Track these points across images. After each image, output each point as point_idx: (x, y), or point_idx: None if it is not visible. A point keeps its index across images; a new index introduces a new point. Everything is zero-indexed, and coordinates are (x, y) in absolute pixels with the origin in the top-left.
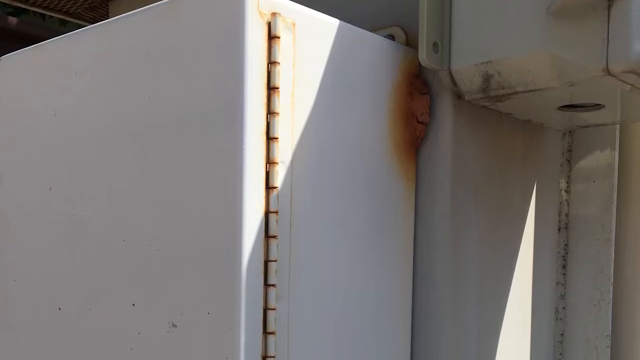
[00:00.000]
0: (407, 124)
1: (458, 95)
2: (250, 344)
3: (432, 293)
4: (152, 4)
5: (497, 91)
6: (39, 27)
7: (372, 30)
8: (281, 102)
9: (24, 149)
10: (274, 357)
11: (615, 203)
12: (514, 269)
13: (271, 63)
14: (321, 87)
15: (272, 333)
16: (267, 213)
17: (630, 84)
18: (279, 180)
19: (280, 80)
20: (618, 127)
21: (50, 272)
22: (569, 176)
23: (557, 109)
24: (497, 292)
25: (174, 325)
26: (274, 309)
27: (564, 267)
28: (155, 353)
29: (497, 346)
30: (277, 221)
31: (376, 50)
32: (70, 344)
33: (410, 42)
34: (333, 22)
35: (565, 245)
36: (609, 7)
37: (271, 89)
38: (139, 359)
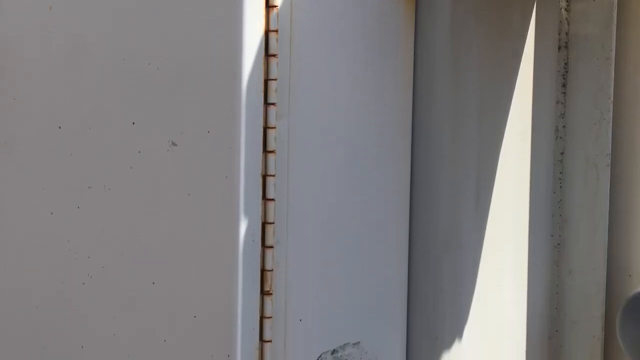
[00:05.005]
0: None
1: None
2: (250, 163)
3: (432, 110)
4: None
5: None
6: None
7: None
8: None
9: None
10: (274, 175)
11: (615, 22)
12: (514, 87)
13: None
14: None
15: (272, 152)
16: (267, 32)
17: None
18: None
19: None
20: None
21: (50, 91)
22: None
23: None
24: (496, 110)
25: (174, 144)
26: (274, 128)
27: (563, 85)
28: (155, 172)
29: (497, 163)
30: (277, 40)
31: None
32: (70, 162)
33: None
34: None
35: (565, 63)
36: None
37: None
38: (139, 177)
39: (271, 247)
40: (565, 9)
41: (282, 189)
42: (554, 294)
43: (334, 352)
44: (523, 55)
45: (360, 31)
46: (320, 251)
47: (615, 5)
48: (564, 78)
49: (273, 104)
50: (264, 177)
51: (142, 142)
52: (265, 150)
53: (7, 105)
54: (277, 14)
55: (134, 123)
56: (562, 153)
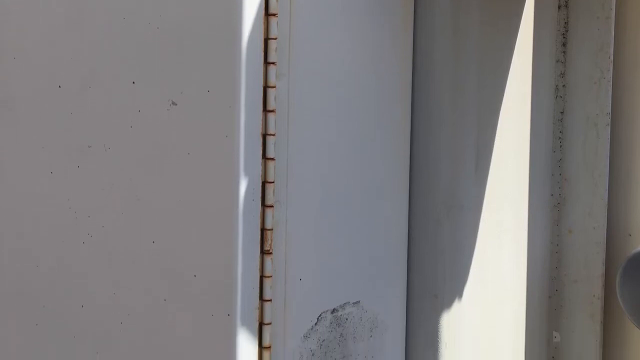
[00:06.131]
0: None
1: None
2: (250, 122)
3: (432, 69)
4: None
5: None
6: None
7: None
8: None
9: None
10: (274, 135)
11: None
12: (514, 48)
13: None
14: None
15: (272, 111)
16: None
17: None
18: None
19: None
20: None
21: (50, 50)
22: None
23: None
24: (496, 69)
25: (174, 103)
26: (274, 87)
27: (564, 45)
28: (155, 131)
29: (497, 123)
30: None
31: None
32: (70, 122)
33: None
34: None
35: (566, 23)
36: None
37: None
38: (139, 136)
39: (271, 206)
40: None
41: (282, 148)
42: (554, 254)
43: (334, 311)
44: (523, 15)
45: None
46: (321, 210)
47: None
48: (564, 37)
49: (273, 63)
50: (264, 136)
51: (142, 101)
52: (265, 110)
53: (7, 64)
54: None
55: (134, 82)
56: (562, 112)
